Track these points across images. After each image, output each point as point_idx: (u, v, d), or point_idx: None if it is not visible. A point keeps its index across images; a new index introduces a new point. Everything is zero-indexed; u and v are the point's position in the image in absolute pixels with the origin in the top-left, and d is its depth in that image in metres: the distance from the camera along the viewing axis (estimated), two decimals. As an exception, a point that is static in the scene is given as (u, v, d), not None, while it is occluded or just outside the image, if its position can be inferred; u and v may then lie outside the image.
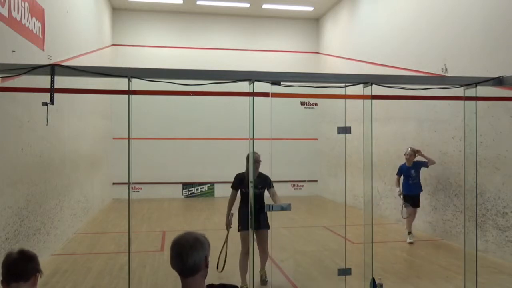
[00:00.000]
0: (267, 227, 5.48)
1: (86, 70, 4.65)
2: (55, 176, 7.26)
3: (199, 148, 14.10)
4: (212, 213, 11.35)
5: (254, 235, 5.19)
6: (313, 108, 5.31)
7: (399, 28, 9.91)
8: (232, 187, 5.55)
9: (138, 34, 14.22)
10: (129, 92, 4.56)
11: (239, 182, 5.46)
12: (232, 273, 5.99)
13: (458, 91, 5.30)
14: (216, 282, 2.13)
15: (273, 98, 5.07)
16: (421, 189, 8.14)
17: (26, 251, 2.43)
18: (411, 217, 7.98)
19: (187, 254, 1.97)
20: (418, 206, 8.11)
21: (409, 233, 7.86)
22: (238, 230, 5.46)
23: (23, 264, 2.35)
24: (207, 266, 2.05)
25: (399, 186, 8.14)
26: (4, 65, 4.49)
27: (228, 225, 5.50)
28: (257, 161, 5.37)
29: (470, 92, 5.18)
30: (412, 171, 8.02)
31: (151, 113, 12.94)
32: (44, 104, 4.28)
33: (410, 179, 8.03)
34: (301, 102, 5.36)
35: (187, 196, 14.19)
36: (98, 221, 10.02)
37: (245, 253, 5.39)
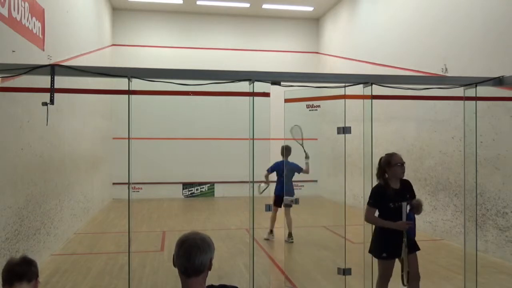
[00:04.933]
0: (418, 247, 4.43)
1: (86, 70, 4.65)
2: (55, 176, 7.26)
3: (199, 148, 14.10)
4: (212, 213, 11.34)
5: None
6: (316, 110, 5.30)
7: (399, 28, 9.91)
8: (371, 204, 4.22)
9: (138, 34, 14.21)
10: (129, 92, 4.56)
11: (381, 196, 4.22)
12: (232, 274, 6.00)
13: (458, 91, 5.30)
14: (216, 283, 2.13)
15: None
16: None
17: (28, 257, 2.51)
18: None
19: (195, 255, 1.97)
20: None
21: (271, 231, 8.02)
22: (379, 257, 4.27)
23: (27, 265, 2.44)
24: (210, 269, 2.05)
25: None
26: (4, 65, 4.49)
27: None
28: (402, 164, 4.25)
29: (470, 92, 5.18)
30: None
31: (151, 113, 12.93)
32: (44, 104, 4.28)
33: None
34: (306, 105, 5.33)
35: (187, 196, 14.19)
36: (98, 221, 10.02)
37: (385, 282, 4.35)
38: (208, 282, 2.08)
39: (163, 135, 13.69)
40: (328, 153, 13.75)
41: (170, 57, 14.03)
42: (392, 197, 4.18)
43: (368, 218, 4.27)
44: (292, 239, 7.74)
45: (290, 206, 7.30)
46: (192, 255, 1.97)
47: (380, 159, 4.32)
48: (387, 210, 4.19)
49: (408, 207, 4.25)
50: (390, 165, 4.21)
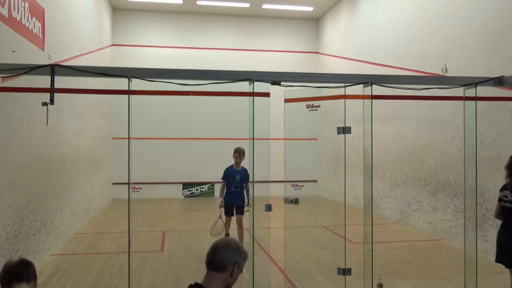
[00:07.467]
0: None
1: (86, 70, 4.66)
2: (55, 176, 7.26)
3: (199, 148, 14.10)
4: (212, 213, 11.32)
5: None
6: (316, 110, 5.30)
7: (399, 28, 9.91)
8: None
9: (138, 34, 14.22)
10: (129, 92, 4.56)
11: None
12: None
13: (458, 91, 5.30)
14: None
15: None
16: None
17: (25, 258, 2.53)
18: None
19: (220, 249, 2.11)
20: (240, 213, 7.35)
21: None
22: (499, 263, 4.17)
23: (25, 266, 2.44)
24: (232, 275, 2.10)
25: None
26: (4, 65, 4.49)
27: None
28: None
29: (470, 92, 5.18)
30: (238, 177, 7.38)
31: (151, 113, 12.92)
32: (44, 104, 4.29)
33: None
34: (306, 105, 5.34)
35: (187, 196, 14.19)
36: (98, 221, 10.01)
37: None
38: None
39: (163, 135, 13.68)
40: (328, 153, 13.75)
41: (170, 57, 14.03)
42: None
43: None
44: None
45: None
46: (218, 249, 2.12)
47: None
48: None
49: None
50: None
